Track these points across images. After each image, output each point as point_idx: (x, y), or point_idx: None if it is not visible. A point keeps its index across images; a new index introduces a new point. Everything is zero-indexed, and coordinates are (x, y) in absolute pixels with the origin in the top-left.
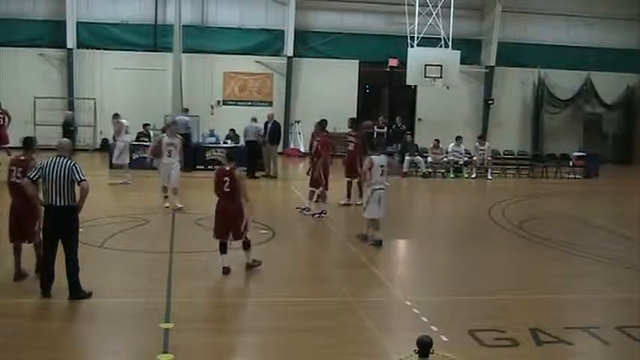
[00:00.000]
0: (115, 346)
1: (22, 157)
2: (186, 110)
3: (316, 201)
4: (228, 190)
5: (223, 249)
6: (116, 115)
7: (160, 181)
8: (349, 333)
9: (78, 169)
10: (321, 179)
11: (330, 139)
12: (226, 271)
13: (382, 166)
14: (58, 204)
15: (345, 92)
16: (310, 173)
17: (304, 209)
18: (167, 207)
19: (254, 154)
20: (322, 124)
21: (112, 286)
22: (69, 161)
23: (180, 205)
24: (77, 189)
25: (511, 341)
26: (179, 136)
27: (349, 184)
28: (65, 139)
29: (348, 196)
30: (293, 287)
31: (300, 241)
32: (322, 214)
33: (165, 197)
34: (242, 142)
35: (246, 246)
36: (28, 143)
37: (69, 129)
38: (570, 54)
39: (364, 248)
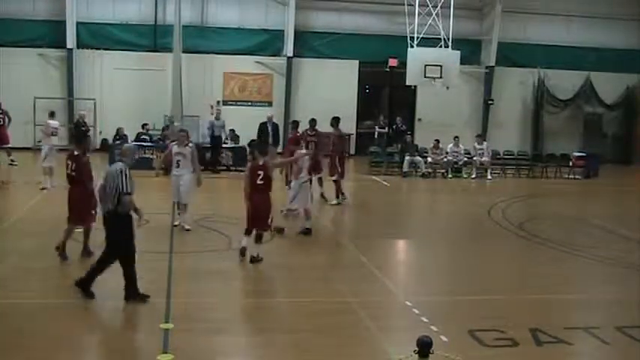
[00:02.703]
0: (115, 346)
1: (76, 152)
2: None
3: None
4: (261, 182)
5: (249, 233)
6: (52, 115)
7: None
8: (349, 333)
9: (123, 177)
10: (289, 177)
11: (299, 136)
12: (243, 252)
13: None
14: (105, 208)
15: (345, 92)
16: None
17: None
18: (176, 225)
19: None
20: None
21: (112, 286)
22: (120, 167)
23: (188, 227)
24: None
25: (511, 341)
26: (191, 144)
27: (335, 183)
28: (130, 144)
29: (337, 196)
30: (293, 287)
31: (300, 241)
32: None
33: (179, 214)
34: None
35: (259, 239)
36: (79, 137)
37: (80, 129)
38: (570, 54)
39: (364, 248)
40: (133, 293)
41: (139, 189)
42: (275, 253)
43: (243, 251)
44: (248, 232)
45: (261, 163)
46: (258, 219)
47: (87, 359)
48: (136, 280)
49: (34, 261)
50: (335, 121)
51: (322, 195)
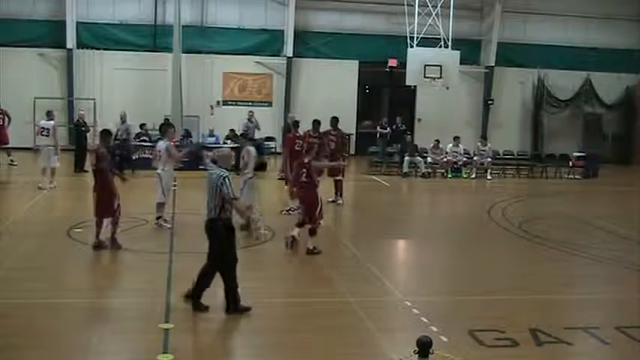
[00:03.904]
0: (115, 346)
1: (98, 148)
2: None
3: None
4: (305, 180)
5: (300, 225)
6: (47, 114)
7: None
8: (349, 333)
9: (228, 183)
10: (288, 176)
11: (296, 137)
12: (289, 241)
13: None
14: (206, 216)
15: (345, 92)
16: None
17: (289, 210)
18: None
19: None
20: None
21: (112, 286)
22: (222, 173)
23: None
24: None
25: (511, 341)
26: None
27: (335, 182)
28: (226, 148)
29: (340, 194)
30: (293, 287)
31: (300, 241)
32: (289, 211)
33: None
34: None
35: (312, 233)
36: (102, 135)
37: (80, 129)
38: (570, 54)
39: (364, 248)
40: (233, 306)
41: (138, 189)
42: (275, 253)
43: (289, 241)
44: (300, 225)
45: (306, 161)
46: (304, 213)
47: (87, 359)
48: (237, 292)
49: (34, 261)
50: (335, 120)
51: None
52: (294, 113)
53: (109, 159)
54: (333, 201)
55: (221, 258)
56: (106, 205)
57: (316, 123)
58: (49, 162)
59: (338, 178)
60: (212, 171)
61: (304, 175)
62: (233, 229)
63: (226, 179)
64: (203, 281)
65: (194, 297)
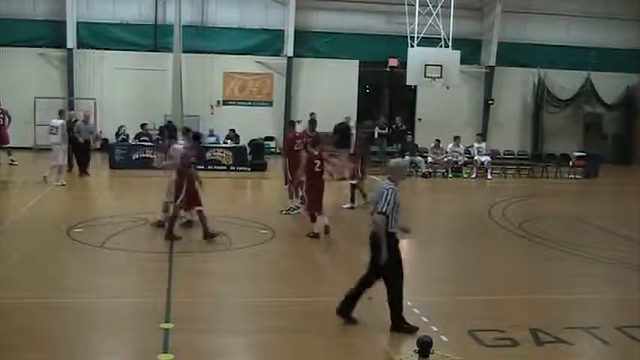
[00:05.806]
0: (115, 346)
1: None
2: None
3: (291, 198)
4: (319, 170)
5: (314, 219)
6: (58, 113)
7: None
8: (349, 333)
9: (384, 197)
10: (287, 176)
11: (296, 136)
12: (327, 229)
13: None
14: (371, 228)
15: (345, 92)
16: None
17: (289, 210)
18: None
19: (87, 153)
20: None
21: (112, 286)
22: (386, 185)
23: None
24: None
25: (511, 341)
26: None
27: (352, 186)
28: (400, 159)
29: (352, 200)
30: (293, 287)
31: (300, 240)
32: (289, 211)
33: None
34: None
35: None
36: (190, 136)
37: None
38: (570, 54)
39: (364, 248)
40: (397, 323)
41: (138, 189)
42: (275, 253)
43: (328, 229)
44: (314, 219)
45: (316, 153)
46: (320, 201)
47: (87, 359)
48: (402, 308)
49: (34, 261)
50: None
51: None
52: (348, 115)
53: (193, 157)
54: (351, 207)
55: (388, 272)
56: (192, 196)
57: (313, 122)
58: (57, 160)
59: (354, 182)
60: (381, 182)
61: (317, 165)
62: (397, 241)
63: (388, 192)
64: (358, 291)
65: (344, 312)
